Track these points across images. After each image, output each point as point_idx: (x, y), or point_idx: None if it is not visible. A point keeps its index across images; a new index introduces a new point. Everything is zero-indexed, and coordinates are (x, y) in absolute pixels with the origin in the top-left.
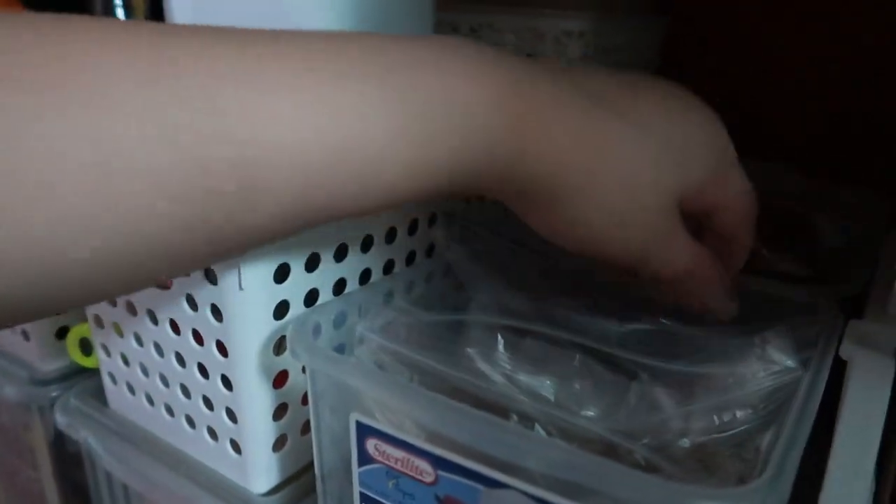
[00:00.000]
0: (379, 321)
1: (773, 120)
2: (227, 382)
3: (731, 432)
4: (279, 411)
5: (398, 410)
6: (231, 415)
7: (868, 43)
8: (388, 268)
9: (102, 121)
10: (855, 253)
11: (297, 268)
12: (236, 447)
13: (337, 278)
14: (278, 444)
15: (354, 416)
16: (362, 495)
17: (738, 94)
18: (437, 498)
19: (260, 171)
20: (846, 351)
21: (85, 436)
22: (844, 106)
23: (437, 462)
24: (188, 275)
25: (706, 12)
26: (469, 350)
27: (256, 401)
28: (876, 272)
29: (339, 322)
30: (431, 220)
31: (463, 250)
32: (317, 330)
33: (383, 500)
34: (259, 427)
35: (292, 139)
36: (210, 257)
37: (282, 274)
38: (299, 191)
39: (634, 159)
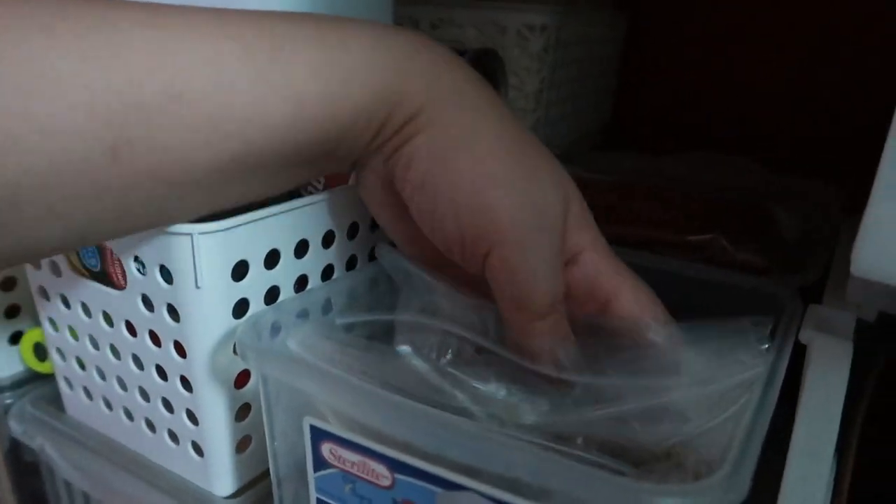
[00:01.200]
0: (306, 337)
1: (731, 113)
2: (186, 384)
3: (692, 433)
4: (241, 412)
5: (351, 414)
6: (192, 417)
7: (824, 36)
8: (352, 264)
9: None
10: (811, 241)
11: (256, 264)
12: (198, 450)
13: (298, 275)
14: (241, 446)
15: (308, 421)
16: (319, 501)
17: (699, 90)
18: (395, 501)
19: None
20: (806, 335)
21: (41, 443)
22: (804, 98)
23: (394, 465)
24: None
25: (667, 10)
26: (402, 349)
27: (217, 402)
28: (833, 259)
29: (293, 324)
30: None
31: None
32: (276, 329)
33: None
34: (221, 428)
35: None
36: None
37: (240, 271)
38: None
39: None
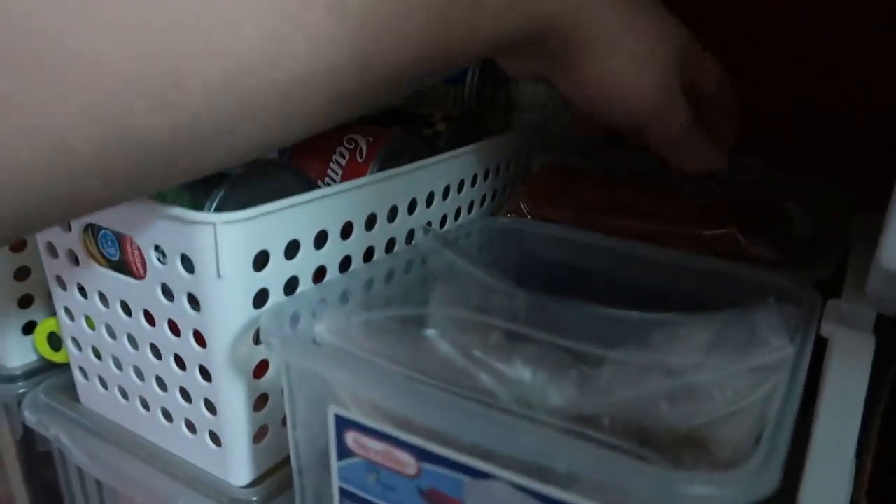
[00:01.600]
0: (334, 322)
1: (750, 113)
2: (205, 374)
3: (719, 415)
4: (259, 402)
5: (376, 401)
6: (210, 406)
7: (834, 31)
8: (369, 255)
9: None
10: (824, 238)
11: (276, 255)
12: (215, 439)
13: (317, 266)
14: (259, 436)
15: (332, 409)
16: (342, 490)
17: None
18: (420, 491)
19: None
20: (827, 329)
21: (56, 433)
22: (808, 95)
23: (420, 454)
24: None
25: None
26: (428, 332)
27: (236, 392)
28: (850, 253)
29: (320, 310)
30: (411, 208)
31: (437, 240)
32: (295, 319)
33: (364, 495)
34: (239, 418)
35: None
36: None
37: (261, 261)
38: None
39: (648, 21)
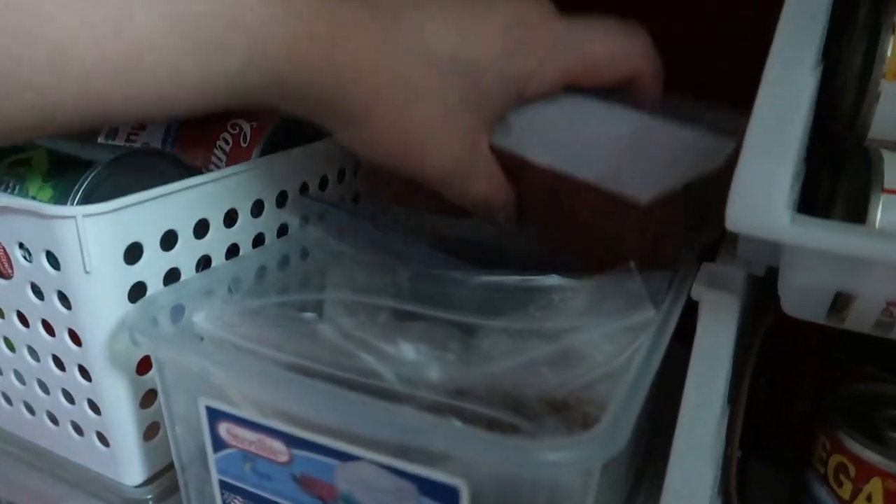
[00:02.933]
0: (212, 311)
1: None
2: (84, 373)
3: (585, 380)
4: (147, 398)
5: (248, 393)
6: (94, 407)
7: None
8: (259, 242)
9: None
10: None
11: (150, 246)
12: (103, 440)
13: (200, 256)
14: (149, 433)
15: (203, 402)
16: (221, 482)
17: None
18: (294, 477)
19: (17, 63)
20: (697, 292)
21: None
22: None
23: (289, 441)
24: None
25: None
26: (308, 315)
27: (118, 390)
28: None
29: (198, 302)
30: (303, 193)
31: (317, 228)
32: (177, 312)
33: (242, 485)
34: (125, 417)
35: (51, 36)
36: None
37: (134, 254)
38: (55, 83)
39: (420, 81)
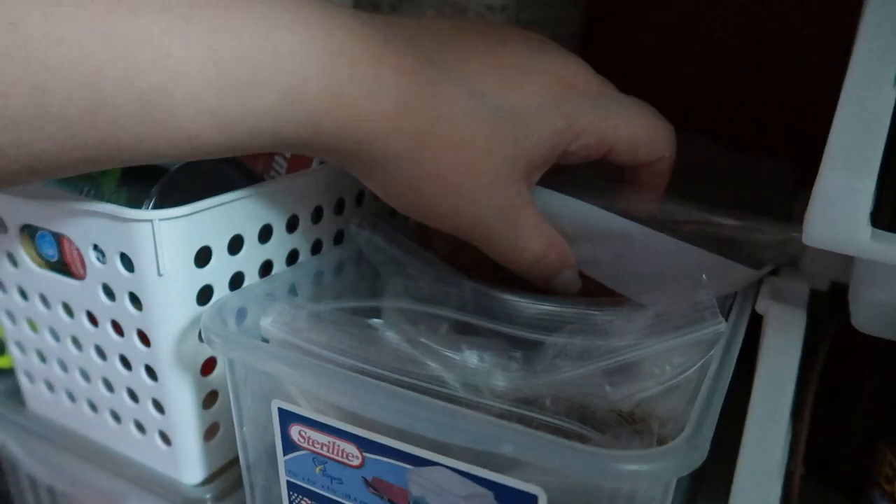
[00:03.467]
0: (280, 316)
1: (695, 93)
2: (151, 373)
3: (656, 392)
4: (209, 399)
5: (319, 395)
6: (158, 406)
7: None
8: (317, 249)
9: None
10: (768, 214)
11: (219, 251)
12: (165, 439)
13: (262, 260)
14: (209, 434)
15: (276, 404)
16: (290, 484)
17: (659, 71)
18: (366, 480)
19: (50, 97)
20: (762, 305)
21: (3, 439)
22: (752, 77)
23: (363, 444)
24: None
25: None
26: (374, 322)
27: (183, 390)
28: None
29: (266, 305)
30: (359, 200)
31: (376, 235)
32: (242, 314)
33: (311, 487)
34: (188, 417)
35: (82, 67)
36: None
37: (203, 258)
38: (87, 120)
39: (464, 126)
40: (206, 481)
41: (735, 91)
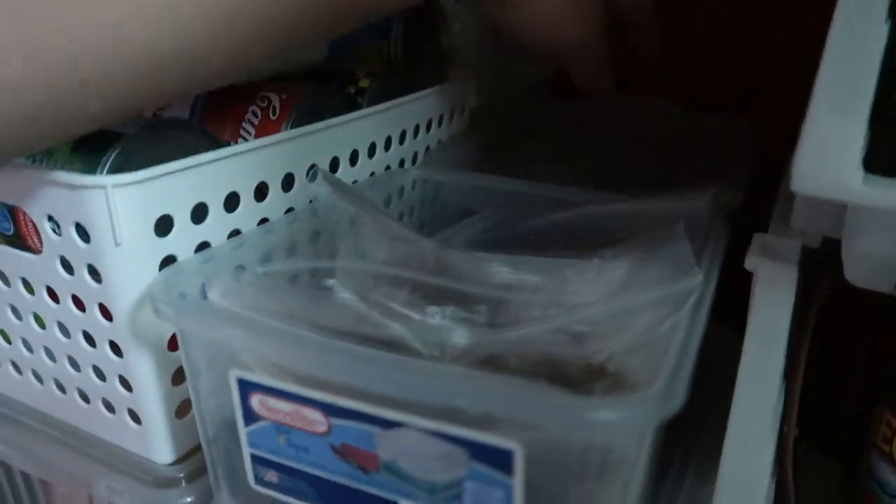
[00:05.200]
0: (228, 284)
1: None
2: (116, 349)
3: (625, 347)
4: (178, 375)
5: (275, 361)
6: (125, 384)
7: None
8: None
9: None
10: (727, 169)
11: (181, 219)
12: (135, 417)
13: (231, 230)
14: (181, 411)
15: (235, 373)
16: (254, 456)
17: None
18: (333, 447)
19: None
20: (751, 262)
21: None
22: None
23: (328, 409)
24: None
25: None
26: (328, 282)
27: (149, 366)
28: (780, 188)
29: (217, 274)
30: (333, 167)
31: (336, 193)
32: (203, 285)
33: (276, 459)
34: (156, 394)
35: None
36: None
37: (164, 226)
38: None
39: None
40: (180, 460)
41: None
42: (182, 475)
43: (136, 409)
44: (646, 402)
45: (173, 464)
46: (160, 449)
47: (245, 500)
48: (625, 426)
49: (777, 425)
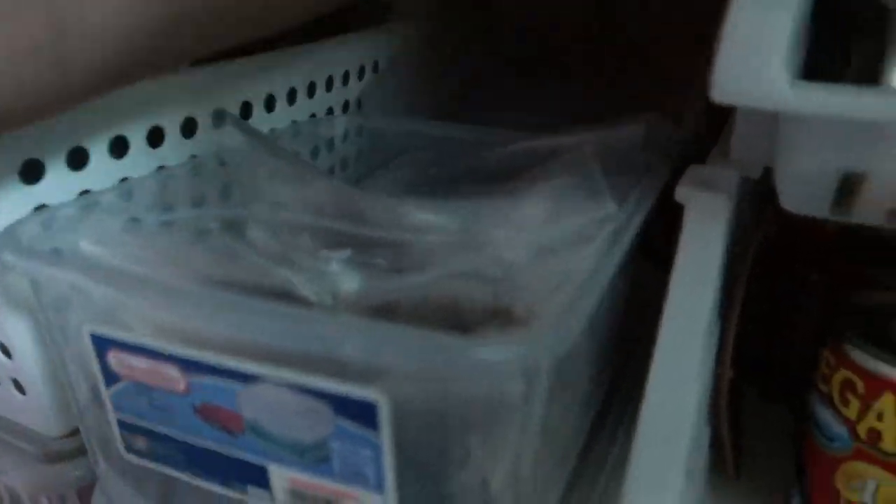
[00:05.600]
0: (103, 233)
1: None
2: None
3: (531, 288)
4: None
5: (134, 311)
6: (3, 349)
7: None
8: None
9: None
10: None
11: (55, 165)
12: (19, 387)
13: (119, 178)
14: None
15: (87, 328)
16: (120, 422)
17: None
18: (194, 408)
19: None
20: (681, 193)
21: None
22: None
23: (184, 365)
24: None
25: None
26: (212, 227)
27: (28, 329)
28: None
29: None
30: (244, 112)
31: (236, 130)
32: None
33: (142, 423)
34: (37, 360)
35: None
36: None
37: (33, 172)
38: None
39: None
40: (72, 434)
41: None
42: (75, 446)
43: (18, 378)
44: (529, 339)
45: (64, 437)
46: (47, 421)
47: (121, 471)
48: (504, 367)
49: (707, 365)
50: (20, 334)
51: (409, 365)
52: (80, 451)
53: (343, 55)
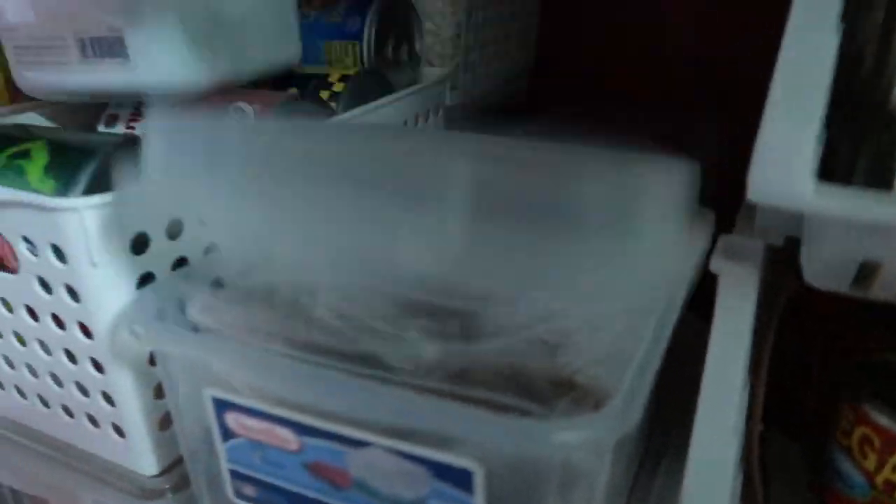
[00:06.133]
0: (205, 302)
1: (651, 51)
2: (97, 366)
3: (595, 359)
4: (160, 389)
5: (250, 380)
6: (108, 399)
7: None
8: None
9: None
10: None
11: (157, 236)
12: (119, 431)
13: (208, 244)
14: (164, 423)
15: (209, 392)
16: (232, 472)
17: (623, 24)
18: (306, 465)
19: None
20: (716, 265)
21: None
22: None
23: (298, 429)
24: None
25: None
26: (304, 299)
27: (131, 382)
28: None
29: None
30: None
31: None
32: (181, 302)
33: (253, 474)
34: (138, 408)
35: None
36: None
37: (140, 244)
38: None
39: None
40: (165, 471)
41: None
42: (167, 486)
43: (119, 423)
44: (601, 421)
45: (158, 475)
46: (144, 461)
47: None
48: (581, 447)
49: (742, 423)
50: (125, 386)
51: (504, 447)
52: (174, 489)
53: (391, 112)
